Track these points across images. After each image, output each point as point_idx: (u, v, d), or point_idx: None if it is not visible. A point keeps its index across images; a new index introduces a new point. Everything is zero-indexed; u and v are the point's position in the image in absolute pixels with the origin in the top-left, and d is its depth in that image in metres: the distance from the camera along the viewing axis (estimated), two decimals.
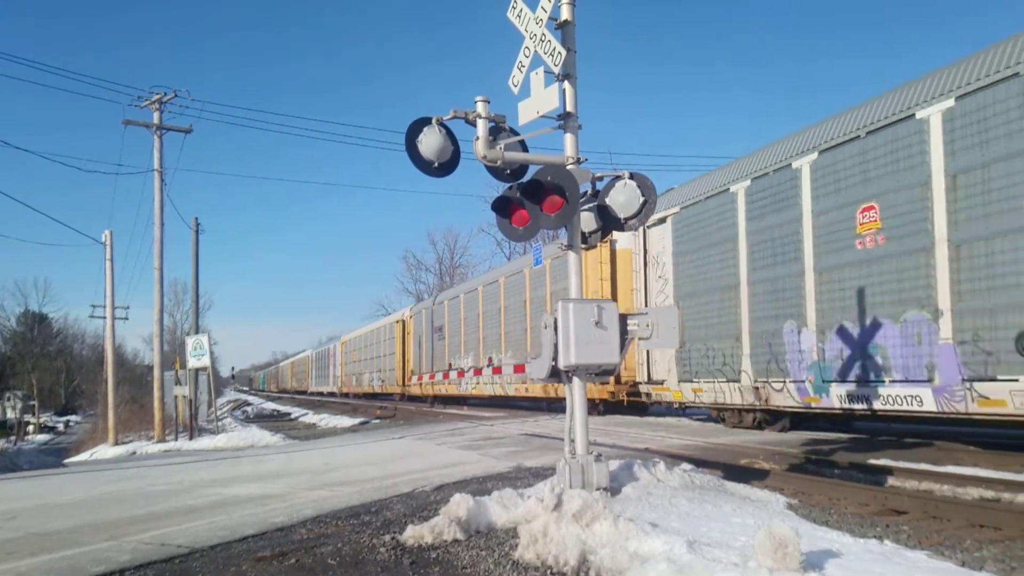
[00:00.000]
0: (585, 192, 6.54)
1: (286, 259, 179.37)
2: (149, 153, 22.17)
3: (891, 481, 7.50)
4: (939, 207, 8.89)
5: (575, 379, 5.91)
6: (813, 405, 10.80)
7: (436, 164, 5.94)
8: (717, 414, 13.53)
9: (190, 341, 22.56)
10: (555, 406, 20.84)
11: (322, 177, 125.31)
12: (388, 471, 8.86)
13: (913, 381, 9.14)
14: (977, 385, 8.39)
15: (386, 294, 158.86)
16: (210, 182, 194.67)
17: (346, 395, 47.54)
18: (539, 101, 6.10)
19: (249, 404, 58.01)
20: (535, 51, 6.05)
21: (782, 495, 6.41)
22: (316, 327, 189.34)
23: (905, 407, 9.29)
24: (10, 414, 55.78)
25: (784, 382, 11.21)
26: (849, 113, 10.59)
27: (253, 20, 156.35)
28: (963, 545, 5.04)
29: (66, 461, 22.76)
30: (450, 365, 26.83)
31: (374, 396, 40.45)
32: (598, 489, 5.65)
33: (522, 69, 6.19)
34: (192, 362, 22.01)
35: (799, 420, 12.23)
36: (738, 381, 12.18)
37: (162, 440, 21.26)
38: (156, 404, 22.35)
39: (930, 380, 8.91)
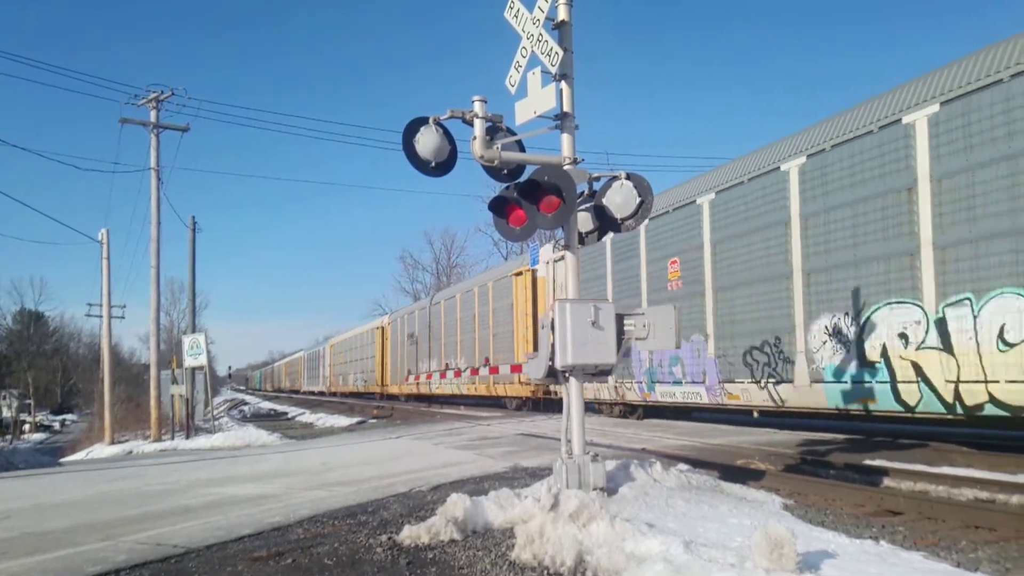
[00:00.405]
0: (582, 192, 6.54)
1: (283, 258, 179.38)
2: (146, 151, 22.14)
3: (887, 482, 7.51)
4: (708, 267, 12.72)
5: (572, 379, 5.90)
6: (648, 400, 14.53)
7: (433, 164, 5.93)
8: (598, 407, 17.13)
9: (187, 340, 22.52)
10: (489, 402, 25.04)
11: (320, 176, 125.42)
12: (385, 471, 8.85)
13: (696, 383, 13.01)
14: (727, 385, 12.17)
15: (383, 294, 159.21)
16: (207, 181, 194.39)
17: (334, 394, 50.89)
18: (536, 101, 6.10)
19: (246, 403, 58.00)
20: (532, 51, 6.04)
21: (778, 496, 6.42)
22: (313, 326, 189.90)
23: (693, 400, 13.21)
24: (6, 413, 55.68)
25: (632, 383, 14.81)
26: (681, 187, 13.85)
27: (251, 19, 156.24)
28: (958, 546, 5.05)
29: (62, 460, 22.72)
30: (419, 368, 30.39)
31: (358, 395, 43.83)
32: (595, 489, 5.65)
33: (519, 69, 6.18)
34: (189, 361, 21.98)
35: (648, 411, 15.73)
36: (606, 382, 15.21)
37: (158, 439, 21.21)
38: (152, 403, 22.30)
39: (704, 382, 12.76)
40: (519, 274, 21.08)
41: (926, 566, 3.95)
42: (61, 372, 77.48)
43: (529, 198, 5.94)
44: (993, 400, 7.95)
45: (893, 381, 9.08)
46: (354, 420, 24.86)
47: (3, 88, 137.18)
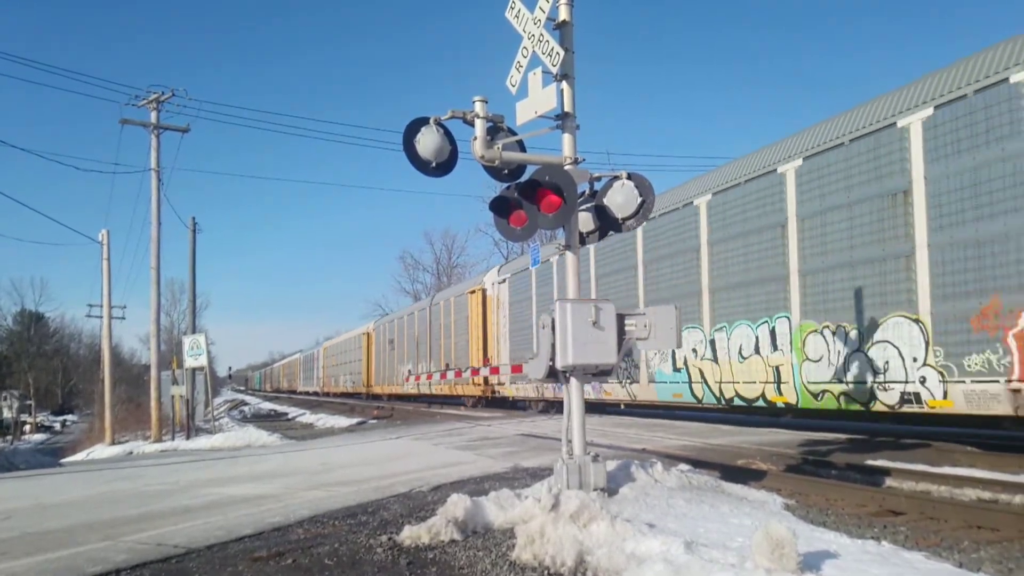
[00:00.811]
0: (583, 192, 6.53)
1: (284, 258, 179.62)
2: (146, 152, 22.16)
3: (888, 482, 7.50)
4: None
5: (572, 380, 5.89)
6: (557, 396, 16.68)
7: (434, 164, 5.92)
8: (529, 404, 20.54)
9: (187, 340, 22.53)
10: (452, 400, 28.35)
11: (320, 176, 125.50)
12: (385, 471, 8.84)
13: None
14: (604, 385, 15.67)
15: (384, 294, 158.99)
16: (207, 181, 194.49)
17: (327, 394, 53.74)
18: (537, 101, 6.09)
19: (246, 404, 58.07)
20: (533, 51, 6.03)
21: (779, 496, 6.41)
22: (313, 327, 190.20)
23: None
24: (7, 414, 55.75)
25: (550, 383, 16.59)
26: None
27: (251, 20, 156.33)
28: (961, 546, 5.04)
29: (63, 461, 22.72)
30: (397, 371, 34.11)
31: (348, 395, 46.57)
32: (595, 490, 5.64)
33: (520, 69, 6.17)
34: (189, 362, 21.99)
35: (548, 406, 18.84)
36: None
37: (159, 440, 21.21)
38: (153, 404, 22.30)
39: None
40: (473, 292, 24.61)
41: (928, 566, 3.94)
42: (62, 373, 77.49)
43: (530, 198, 5.92)
44: (738, 395, 12.15)
45: (690, 382, 13.34)
46: (354, 420, 24.87)
47: (3, 88, 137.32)
